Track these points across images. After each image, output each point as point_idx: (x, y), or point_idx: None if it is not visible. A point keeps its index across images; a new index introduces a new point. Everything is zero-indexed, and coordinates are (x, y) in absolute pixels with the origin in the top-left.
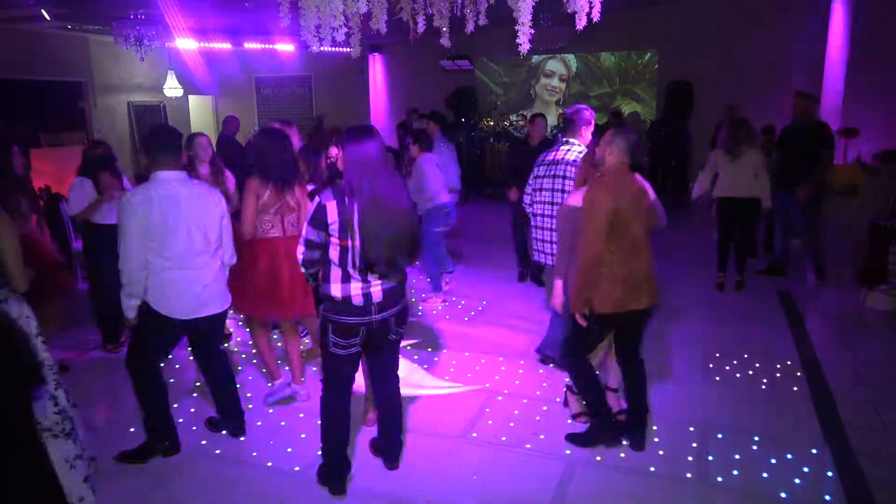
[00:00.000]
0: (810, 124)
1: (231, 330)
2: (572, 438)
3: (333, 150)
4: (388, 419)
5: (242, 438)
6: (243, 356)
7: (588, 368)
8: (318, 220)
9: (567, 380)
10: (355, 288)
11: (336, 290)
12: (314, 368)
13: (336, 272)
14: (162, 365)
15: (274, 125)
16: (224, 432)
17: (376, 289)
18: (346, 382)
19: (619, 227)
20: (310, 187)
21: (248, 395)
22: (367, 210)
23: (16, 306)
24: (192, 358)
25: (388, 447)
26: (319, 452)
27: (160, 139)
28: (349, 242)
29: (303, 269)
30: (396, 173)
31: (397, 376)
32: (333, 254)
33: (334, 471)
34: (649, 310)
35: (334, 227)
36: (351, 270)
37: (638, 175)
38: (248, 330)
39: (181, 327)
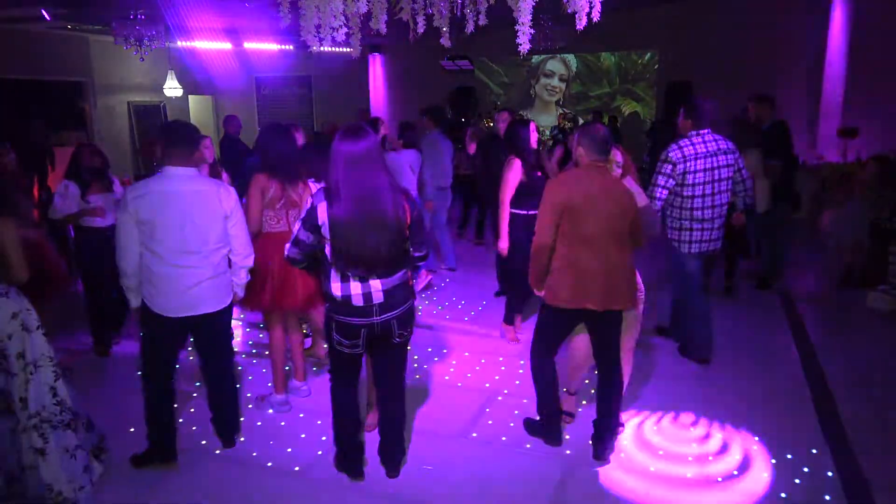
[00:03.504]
0: (768, 125)
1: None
2: (527, 423)
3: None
4: (388, 426)
5: (238, 441)
6: (243, 356)
7: (545, 366)
8: (309, 220)
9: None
10: (355, 288)
11: (336, 289)
12: (314, 368)
13: (335, 272)
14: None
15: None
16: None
17: (377, 289)
18: (352, 376)
19: (571, 223)
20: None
21: (249, 394)
22: (348, 211)
23: (17, 298)
24: (191, 358)
25: (389, 454)
26: (328, 440)
27: (173, 134)
28: (341, 243)
29: (290, 264)
30: (387, 175)
31: (402, 383)
32: (329, 253)
33: (349, 457)
34: (608, 313)
35: (325, 229)
36: (348, 271)
37: (629, 179)
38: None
39: (178, 326)
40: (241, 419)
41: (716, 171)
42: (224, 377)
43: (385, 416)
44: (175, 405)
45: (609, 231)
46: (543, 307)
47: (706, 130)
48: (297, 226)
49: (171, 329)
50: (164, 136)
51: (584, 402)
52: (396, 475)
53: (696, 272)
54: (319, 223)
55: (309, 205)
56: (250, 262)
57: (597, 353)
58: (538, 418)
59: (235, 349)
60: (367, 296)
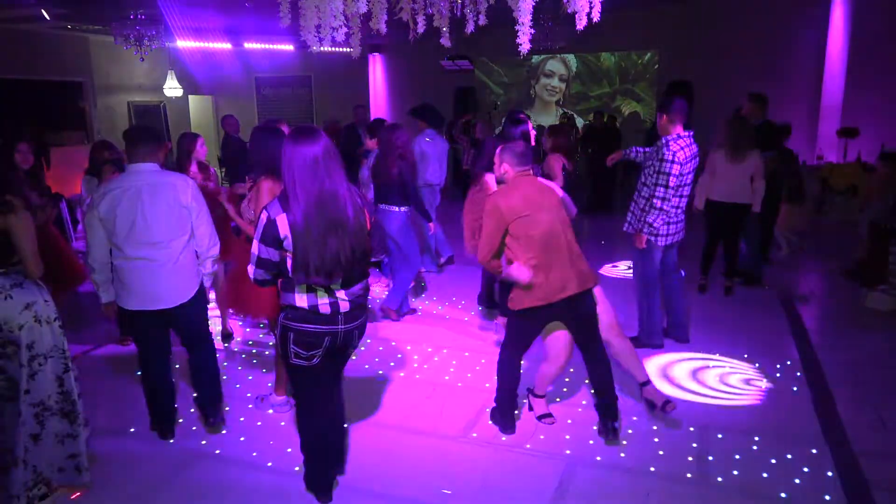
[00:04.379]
0: (759, 123)
1: (230, 332)
2: (492, 413)
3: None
4: (334, 432)
5: (224, 431)
6: (243, 356)
7: (512, 366)
8: (269, 236)
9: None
10: (322, 297)
11: (301, 300)
12: None
13: (298, 284)
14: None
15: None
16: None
17: (343, 300)
18: (318, 396)
19: (524, 229)
20: None
21: (249, 394)
22: (307, 216)
23: (33, 289)
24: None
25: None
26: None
27: (134, 134)
28: (301, 251)
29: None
30: (344, 178)
31: (342, 392)
32: (290, 266)
33: (318, 481)
34: (580, 295)
35: (288, 242)
36: (309, 276)
37: (539, 178)
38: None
39: (150, 319)
40: (235, 416)
41: (694, 172)
42: (205, 363)
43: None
44: (172, 394)
45: (559, 224)
46: (514, 312)
47: (691, 132)
48: (255, 245)
49: (144, 323)
50: (127, 138)
51: (584, 402)
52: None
53: (659, 263)
54: (282, 237)
55: (265, 219)
56: (216, 251)
57: (581, 340)
58: (495, 406)
59: (235, 349)
60: (335, 304)
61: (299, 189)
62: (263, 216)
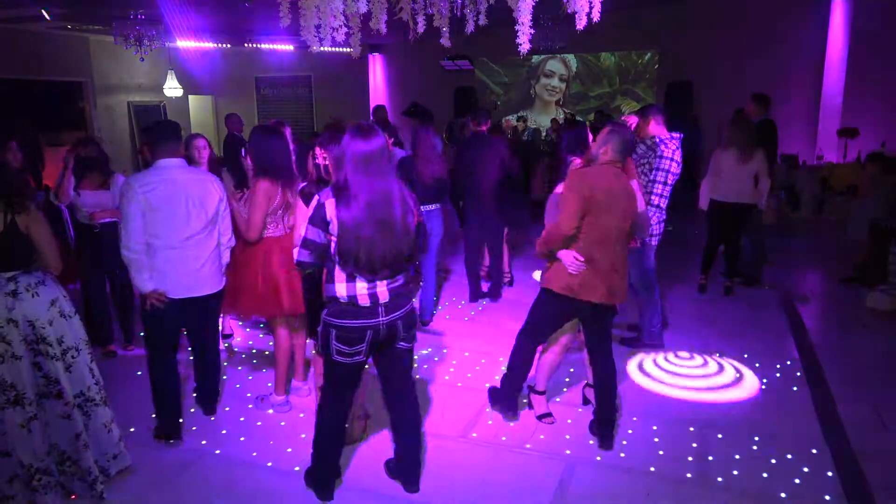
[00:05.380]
0: (758, 121)
1: (230, 332)
2: (491, 391)
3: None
4: (407, 440)
5: (213, 418)
6: (243, 356)
7: (528, 350)
8: (318, 217)
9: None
10: (361, 288)
11: (341, 289)
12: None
13: (339, 271)
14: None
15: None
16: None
17: (382, 289)
18: (347, 393)
19: (590, 215)
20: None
21: (249, 394)
22: (357, 214)
23: (54, 286)
24: (191, 358)
25: (408, 468)
26: (311, 455)
27: (159, 130)
28: (348, 246)
29: (299, 270)
30: (396, 178)
31: (414, 393)
32: (334, 252)
33: (324, 477)
34: (606, 306)
35: (333, 226)
36: (355, 270)
37: (635, 182)
38: (268, 333)
39: (179, 307)
40: (235, 416)
41: (679, 175)
42: (208, 353)
43: (403, 434)
44: (179, 392)
45: (619, 229)
46: (547, 292)
47: (682, 134)
48: (303, 228)
49: (172, 311)
50: (153, 135)
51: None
52: (417, 489)
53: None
54: (328, 219)
55: (316, 202)
56: (233, 242)
57: (592, 347)
58: (500, 388)
59: (235, 350)
60: (373, 296)
61: (352, 186)
62: (315, 199)
